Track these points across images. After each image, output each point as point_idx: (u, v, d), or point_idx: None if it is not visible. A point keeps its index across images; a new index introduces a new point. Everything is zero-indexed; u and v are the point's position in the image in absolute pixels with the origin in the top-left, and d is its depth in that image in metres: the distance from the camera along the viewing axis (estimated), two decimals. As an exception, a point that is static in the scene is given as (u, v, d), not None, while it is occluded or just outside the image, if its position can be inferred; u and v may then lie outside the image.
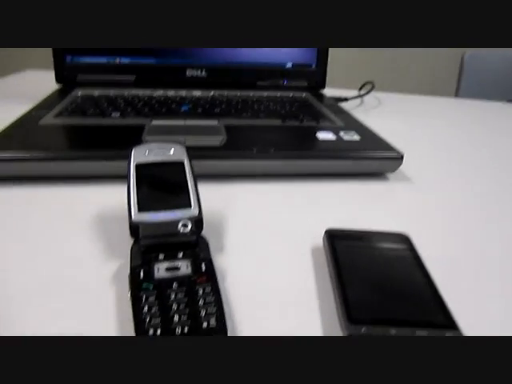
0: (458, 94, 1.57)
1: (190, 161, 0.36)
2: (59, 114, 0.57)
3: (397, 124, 0.73)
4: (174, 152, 0.37)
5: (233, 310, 0.29)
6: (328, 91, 0.81)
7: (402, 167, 0.53)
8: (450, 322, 0.26)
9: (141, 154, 0.36)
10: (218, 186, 0.46)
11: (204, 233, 0.34)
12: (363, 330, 0.25)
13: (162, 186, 0.35)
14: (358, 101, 0.87)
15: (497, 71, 1.53)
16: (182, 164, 0.36)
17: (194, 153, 0.45)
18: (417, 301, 0.28)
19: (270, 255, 0.35)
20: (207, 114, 0.60)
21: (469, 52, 1.51)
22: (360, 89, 0.91)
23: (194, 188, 0.35)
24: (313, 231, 0.38)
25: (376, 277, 0.30)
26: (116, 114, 0.57)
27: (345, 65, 2.01)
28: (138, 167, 0.35)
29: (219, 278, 0.31)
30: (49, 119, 0.55)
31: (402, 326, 0.25)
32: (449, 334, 0.25)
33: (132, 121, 0.55)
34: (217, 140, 0.49)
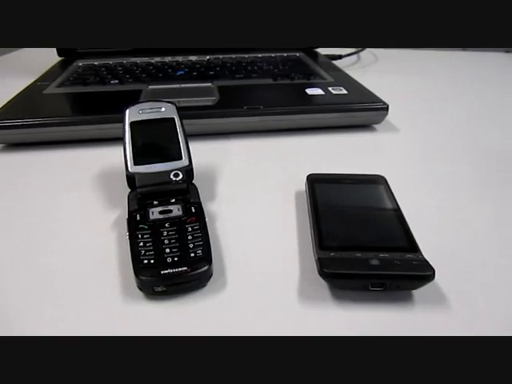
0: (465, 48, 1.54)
1: (180, 117, 0.39)
2: (62, 84, 0.60)
3: (391, 79, 0.74)
4: (165, 110, 0.39)
5: (221, 247, 0.33)
6: (326, 50, 0.82)
7: (392, 119, 0.55)
8: (411, 246, 0.29)
9: (134, 113, 0.39)
10: (211, 142, 0.49)
11: (196, 183, 0.37)
12: (332, 254, 0.28)
13: (154, 141, 0.38)
14: (354, 58, 0.88)
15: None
16: (172, 120, 0.39)
17: (187, 112, 0.48)
18: (384, 231, 0.31)
19: (257, 200, 0.38)
20: (202, 76, 0.62)
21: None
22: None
23: (184, 141, 0.38)
24: (298, 179, 0.41)
25: (349, 211, 0.33)
26: (115, 81, 0.60)
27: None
28: (132, 125, 0.38)
29: (209, 221, 0.35)
30: (52, 89, 0.58)
31: (367, 251, 0.29)
32: (409, 255, 0.28)
33: (130, 87, 0.58)
34: (209, 100, 0.52)
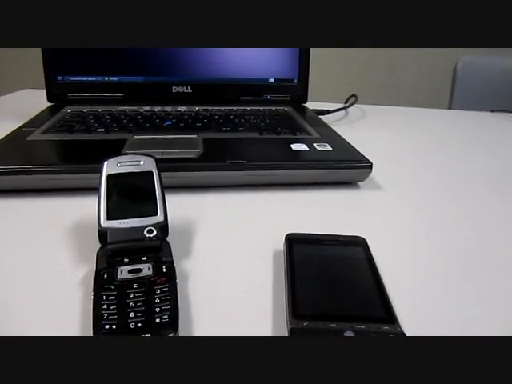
0: (451, 105, 1.59)
1: (159, 171, 0.39)
2: (47, 131, 0.59)
3: (377, 135, 0.75)
4: (143, 163, 0.39)
5: (191, 309, 0.31)
6: (315, 105, 0.84)
7: (376, 177, 0.55)
8: (389, 317, 0.28)
9: (112, 166, 0.38)
10: (193, 196, 0.48)
11: (171, 239, 0.36)
12: (305, 324, 0.27)
13: (130, 195, 0.37)
14: (342, 114, 0.90)
15: (489, 79, 1.54)
16: (150, 174, 0.38)
17: (169, 164, 0.48)
18: (361, 298, 0.30)
19: (233, 259, 0.37)
20: (188, 128, 0.62)
21: (461, 60, 1.52)
22: (346, 102, 0.93)
23: (161, 196, 0.37)
24: (277, 236, 0.40)
25: (326, 276, 0.32)
26: (101, 130, 0.60)
27: (338, 79, 2.04)
28: (109, 178, 0.37)
29: (181, 279, 0.34)
30: (36, 135, 0.57)
31: (342, 321, 0.27)
32: (386, 327, 0.27)
33: (115, 136, 0.58)
34: (193, 153, 0.51)
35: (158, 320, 0.27)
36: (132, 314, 0.28)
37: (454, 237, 0.42)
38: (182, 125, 0.64)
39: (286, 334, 0.27)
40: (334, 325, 0.27)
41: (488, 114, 0.99)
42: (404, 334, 0.27)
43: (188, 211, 0.45)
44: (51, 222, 0.42)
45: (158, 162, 0.39)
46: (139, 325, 0.27)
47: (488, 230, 0.44)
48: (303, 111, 0.77)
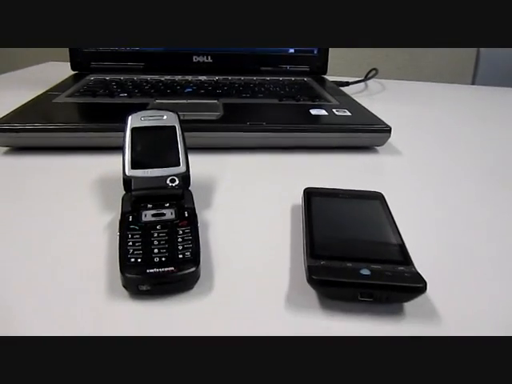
0: (474, 81, 1.56)
1: (182, 127, 0.40)
2: (71, 95, 0.61)
3: (396, 107, 0.74)
4: (166, 118, 0.40)
5: (211, 255, 0.32)
6: (334, 77, 0.83)
7: (395, 143, 0.55)
8: (404, 260, 0.29)
9: (136, 120, 0.39)
10: (213, 156, 0.49)
11: (193, 191, 0.37)
12: (322, 263, 0.28)
13: (154, 147, 0.38)
14: (362, 87, 0.89)
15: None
16: (173, 128, 0.39)
17: (190, 125, 0.49)
18: (377, 243, 0.31)
19: (252, 211, 0.38)
20: (209, 94, 0.63)
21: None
22: (366, 76, 0.93)
23: (183, 149, 0.38)
24: (296, 194, 0.41)
25: (343, 223, 0.33)
26: (123, 95, 0.61)
27: (357, 59, 2.01)
28: (133, 131, 0.38)
29: (202, 227, 0.35)
30: (62, 98, 0.59)
31: (359, 262, 0.28)
32: (401, 268, 0.28)
33: (137, 100, 0.59)
34: (213, 115, 0.52)
35: (180, 256, 0.28)
36: (156, 250, 0.29)
37: (467, 201, 0.42)
38: (202, 91, 0.64)
39: (304, 275, 0.28)
40: (351, 264, 0.28)
41: (510, 89, 0.97)
42: (418, 273, 0.27)
43: (209, 169, 0.46)
44: (78, 177, 0.43)
45: (180, 118, 0.40)
46: (163, 259, 0.28)
47: (501, 201, 0.44)
48: (323, 82, 0.76)
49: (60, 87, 0.65)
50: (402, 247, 0.30)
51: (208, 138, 0.50)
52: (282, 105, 0.59)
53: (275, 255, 0.32)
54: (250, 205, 0.39)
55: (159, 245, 0.29)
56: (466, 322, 0.27)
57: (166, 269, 0.27)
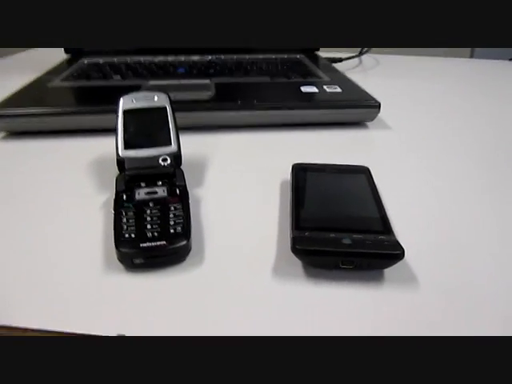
0: (473, 55, 1.55)
1: (173, 107, 0.41)
2: (66, 78, 0.62)
3: (389, 82, 0.75)
4: (157, 99, 0.41)
5: (203, 230, 0.34)
6: (328, 53, 0.83)
7: (385, 118, 0.56)
8: (385, 229, 0.30)
9: (128, 102, 0.40)
10: (205, 135, 0.50)
11: (184, 170, 0.38)
12: (306, 233, 0.29)
13: (145, 128, 0.39)
14: (356, 62, 0.89)
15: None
16: (164, 109, 0.40)
17: (182, 105, 0.50)
18: (360, 214, 0.32)
19: (242, 187, 0.40)
20: (201, 74, 0.64)
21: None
22: (360, 51, 0.93)
23: (174, 129, 0.39)
24: (285, 170, 0.42)
25: (328, 196, 0.34)
26: (117, 77, 0.62)
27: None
28: (125, 113, 0.39)
29: (193, 203, 0.36)
30: (57, 82, 0.60)
31: (341, 232, 0.29)
32: (381, 237, 0.29)
33: (131, 82, 0.60)
34: (205, 95, 0.53)
35: (172, 230, 0.30)
36: (149, 226, 0.30)
37: (456, 178, 0.44)
38: (194, 71, 0.65)
39: (289, 246, 0.30)
40: (333, 234, 0.29)
41: (506, 62, 0.97)
42: (397, 241, 0.29)
43: (200, 149, 0.47)
44: (74, 159, 0.45)
45: (171, 99, 0.41)
46: (155, 234, 0.30)
47: (492, 180, 0.45)
48: (315, 58, 0.77)
49: (54, 71, 0.66)
50: (383, 218, 0.31)
51: (199, 118, 0.51)
52: (274, 83, 0.60)
53: (263, 229, 0.34)
54: (240, 182, 0.41)
55: (152, 221, 0.31)
56: (443, 287, 0.28)
57: (159, 243, 0.29)
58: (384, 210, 0.33)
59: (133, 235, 0.30)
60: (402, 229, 0.33)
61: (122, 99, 0.40)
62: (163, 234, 0.30)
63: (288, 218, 0.34)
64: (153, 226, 0.30)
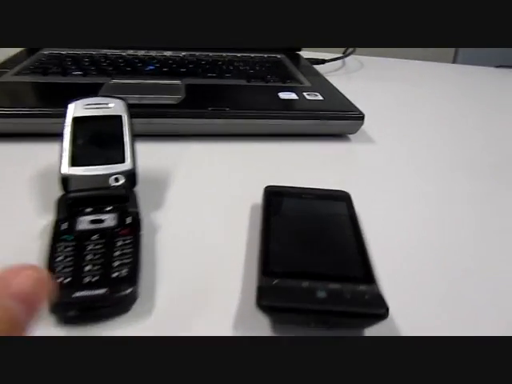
0: (456, 59, 1.53)
1: (130, 116, 0.35)
2: (19, 72, 0.55)
3: (374, 87, 0.71)
4: (113, 106, 0.36)
5: (156, 265, 0.29)
6: (311, 54, 0.79)
7: (368, 130, 0.52)
8: (366, 277, 0.26)
9: (79, 108, 0.35)
10: (171, 144, 0.45)
11: (143, 189, 0.33)
12: (275, 282, 0.25)
13: (97, 141, 0.34)
14: (339, 64, 0.85)
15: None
16: (119, 118, 0.35)
17: (147, 110, 0.45)
18: (339, 256, 0.28)
19: (207, 212, 0.35)
20: (172, 73, 0.58)
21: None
22: (344, 52, 0.88)
23: (130, 142, 0.34)
24: (257, 189, 0.37)
25: (302, 232, 0.30)
26: (77, 73, 0.56)
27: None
28: (75, 121, 0.34)
29: (149, 232, 0.31)
30: (7, 77, 0.54)
31: (316, 280, 0.25)
32: (362, 287, 0.25)
33: (92, 79, 0.54)
34: (173, 98, 0.48)
35: (115, 274, 0.25)
36: (88, 268, 0.25)
37: (448, 198, 0.40)
38: (165, 70, 0.60)
39: (254, 294, 0.25)
40: (307, 283, 0.25)
41: (492, 69, 0.94)
42: (380, 295, 0.24)
43: (164, 160, 0.42)
44: (16, 169, 0.39)
45: (129, 105, 0.36)
46: (94, 279, 0.25)
47: (484, 191, 0.42)
48: (297, 59, 0.72)
49: (8, 63, 0.60)
50: (365, 261, 0.27)
51: (166, 125, 0.45)
52: (250, 86, 0.55)
53: (228, 268, 0.29)
54: (206, 203, 0.36)
55: (92, 260, 0.26)
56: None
57: (97, 291, 0.24)
58: (366, 250, 0.28)
59: (68, 279, 0.25)
60: (385, 267, 0.29)
61: (71, 105, 0.35)
62: (104, 278, 0.25)
63: (256, 252, 0.30)
64: (93, 267, 0.25)
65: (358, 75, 0.79)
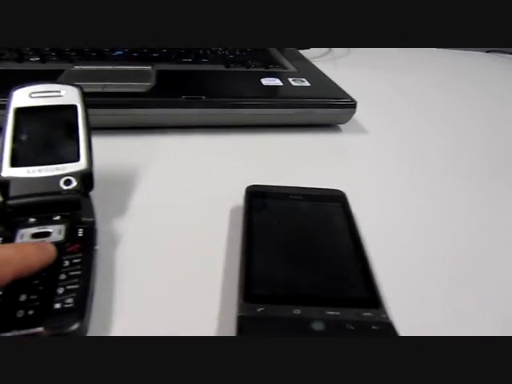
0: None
1: (86, 106, 0.30)
2: (-34, 58, 0.49)
3: (362, 74, 0.66)
4: (65, 94, 0.30)
5: (113, 287, 0.24)
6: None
7: (360, 119, 0.47)
8: (371, 299, 0.21)
9: (23, 97, 0.29)
10: (139, 138, 0.40)
11: (104, 191, 0.28)
12: (259, 310, 0.20)
13: (45, 136, 0.29)
14: (324, 50, 0.80)
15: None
16: (73, 108, 0.29)
17: (112, 99, 0.39)
18: (337, 273, 0.23)
19: (179, 218, 0.30)
20: (142, 58, 0.52)
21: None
22: (329, 37, 0.83)
23: (85, 137, 0.28)
24: (237, 190, 0.32)
25: (292, 243, 0.25)
26: (35, 59, 0.50)
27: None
28: (18, 112, 0.29)
29: (108, 245, 0.26)
30: (-48, 63, 0.47)
31: (310, 305, 0.20)
32: (367, 314, 0.20)
33: (51, 66, 0.48)
34: (142, 86, 0.42)
35: (57, 305, 0.20)
36: (23, 297, 0.20)
37: (447, 193, 0.35)
38: (134, 55, 0.54)
39: (234, 324, 0.20)
40: (299, 311, 0.20)
41: (483, 53, 0.90)
42: (390, 323, 0.20)
43: (130, 157, 0.36)
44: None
45: (88, 94, 0.30)
46: (30, 312, 0.19)
47: (483, 183, 0.37)
48: (280, 44, 0.67)
49: (-44, 48, 0.53)
50: (368, 278, 0.23)
51: (132, 116, 0.40)
52: (229, 72, 0.49)
53: (202, 289, 0.24)
54: (178, 207, 0.31)
55: (29, 287, 0.20)
56: None
57: (32, 330, 0.19)
58: (368, 263, 0.24)
59: (-6, 314, 0.19)
60: (390, 290, 0.24)
61: (14, 93, 0.29)
62: (42, 312, 0.20)
63: (236, 268, 0.25)
64: (30, 295, 0.20)
65: (344, 61, 0.74)
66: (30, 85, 0.30)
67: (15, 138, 0.28)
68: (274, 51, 0.61)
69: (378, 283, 0.22)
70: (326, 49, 0.80)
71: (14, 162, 0.27)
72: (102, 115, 0.37)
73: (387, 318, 0.20)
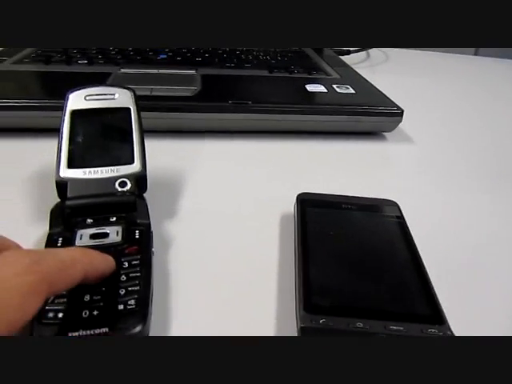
0: (477, 52, 1.46)
1: (139, 109, 0.30)
2: (20, 61, 0.51)
3: (403, 81, 0.65)
4: (118, 97, 0.30)
5: (169, 290, 0.24)
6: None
7: (403, 127, 0.46)
8: (436, 315, 0.21)
9: (79, 100, 0.30)
10: (186, 142, 0.40)
11: (153, 195, 0.28)
12: (321, 321, 0.20)
13: (100, 138, 0.29)
14: (363, 56, 0.79)
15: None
16: (127, 111, 0.30)
17: (160, 103, 0.40)
18: (397, 286, 0.22)
19: (229, 224, 0.30)
20: (186, 62, 0.53)
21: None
22: (367, 43, 0.82)
23: (139, 140, 0.29)
24: (287, 196, 0.32)
25: (349, 253, 0.24)
26: (83, 61, 0.51)
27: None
28: (74, 115, 0.29)
29: (161, 249, 0.26)
30: (6, 65, 0.49)
31: (372, 318, 0.20)
32: (432, 330, 0.20)
33: (99, 69, 0.49)
34: (189, 90, 0.43)
35: (121, 306, 0.20)
36: (87, 298, 0.20)
37: (500, 200, 0.34)
38: (178, 59, 0.54)
39: (296, 334, 0.20)
40: (361, 324, 0.19)
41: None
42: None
43: (178, 161, 0.37)
44: (13, 168, 0.34)
45: (139, 97, 0.31)
46: (95, 313, 0.20)
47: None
48: (320, 49, 0.66)
49: (8, 51, 0.55)
50: (429, 292, 0.22)
51: (180, 120, 0.40)
52: (273, 78, 0.49)
53: (257, 295, 0.24)
54: (227, 214, 0.31)
55: (91, 288, 0.21)
56: None
57: (97, 330, 0.19)
58: (427, 277, 0.23)
59: (60, 314, 0.20)
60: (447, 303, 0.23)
61: (70, 96, 0.30)
62: (106, 312, 0.20)
63: (292, 277, 0.24)
64: (93, 296, 0.20)
65: (383, 69, 0.73)
66: (85, 87, 0.30)
67: (71, 140, 0.28)
68: (315, 56, 0.61)
69: (438, 297, 0.22)
70: (364, 55, 0.79)
71: (71, 164, 0.27)
72: (151, 118, 0.37)
73: (452, 333, 0.19)
